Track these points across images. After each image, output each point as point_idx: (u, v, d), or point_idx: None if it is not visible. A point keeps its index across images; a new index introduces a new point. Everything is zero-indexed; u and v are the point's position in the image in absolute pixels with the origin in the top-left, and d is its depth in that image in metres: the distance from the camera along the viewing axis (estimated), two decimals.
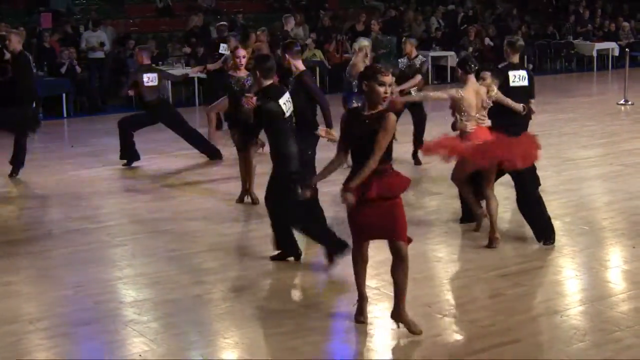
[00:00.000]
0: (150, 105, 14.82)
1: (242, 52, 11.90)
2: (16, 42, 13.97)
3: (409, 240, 7.35)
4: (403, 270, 7.31)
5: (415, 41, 15.24)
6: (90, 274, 9.21)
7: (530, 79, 10.43)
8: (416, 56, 14.64)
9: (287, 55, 10.12)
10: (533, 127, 10.88)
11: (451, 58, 26.33)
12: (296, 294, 8.53)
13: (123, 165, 14.84)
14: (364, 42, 14.00)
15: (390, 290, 8.33)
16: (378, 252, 9.60)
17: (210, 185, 13.30)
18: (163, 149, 16.19)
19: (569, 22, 31.30)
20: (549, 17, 32.30)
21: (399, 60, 14.93)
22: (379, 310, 7.94)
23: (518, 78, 10.31)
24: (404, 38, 15.75)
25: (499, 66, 10.73)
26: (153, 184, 13.69)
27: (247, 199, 11.94)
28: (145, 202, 12.47)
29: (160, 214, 11.70)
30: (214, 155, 15.18)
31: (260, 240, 9.96)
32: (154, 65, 15.51)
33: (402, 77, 14.21)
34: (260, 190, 10.24)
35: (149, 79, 14.65)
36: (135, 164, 14.93)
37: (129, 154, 14.91)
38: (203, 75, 22.60)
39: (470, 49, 25.01)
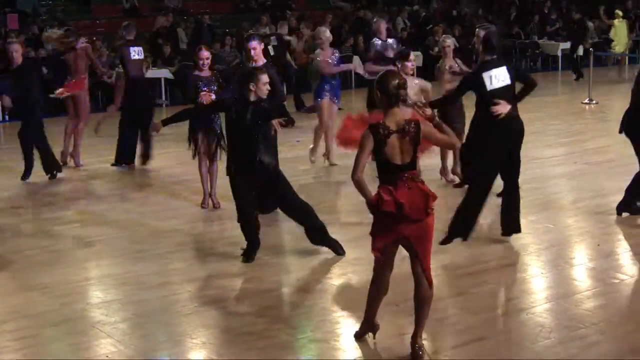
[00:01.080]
0: (134, 81, 14.69)
1: (206, 53, 11.84)
2: (18, 55, 13.45)
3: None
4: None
5: (386, 24, 15.22)
6: (57, 275, 9.18)
7: (511, 73, 9.69)
8: (388, 37, 14.65)
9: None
10: None
11: (417, 58, 26.39)
12: (263, 295, 8.53)
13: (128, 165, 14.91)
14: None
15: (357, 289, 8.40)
16: (346, 250, 9.65)
17: (178, 186, 13.28)
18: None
19: (533, 22, 31.45)
20: (513, 17, 32.40)
21: (370, 41, 14.90)
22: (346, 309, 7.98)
23: (496, 78, 9.58)
24: (375, 18, 15.76)
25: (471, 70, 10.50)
26: (120, 185, 13.65)
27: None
28: (112, 203, 12.44)
29: (128, 214, 11.68)
30: (147, 161, 15.01)
31: (228, 241, 9.98)
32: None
33: (378, 58, 14.36)
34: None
35: (136, 52, 14.54)
36: (99, 164, 14.89)
37: (129, 155, 14.92)
38: (170, 76, 22.67)
39: (436, 49, 25.06)
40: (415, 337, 6.90)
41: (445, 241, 9.56)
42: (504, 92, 9.55)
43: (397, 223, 6.75)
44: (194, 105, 11.10)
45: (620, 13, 26.64)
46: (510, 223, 9.90)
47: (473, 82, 9.72)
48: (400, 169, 6.73)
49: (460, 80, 10.39)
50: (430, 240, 6.90)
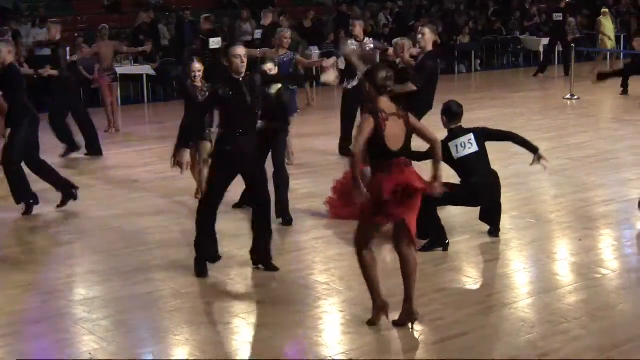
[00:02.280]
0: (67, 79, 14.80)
1: (197, 65, 11.70)
2: (6, 53, 11.62)
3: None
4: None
5: (363, 23, 15.17)
6: (39, 273, 9.16)
7: (480, 139, 9.65)
8: (363, 39, 14.67)
9: None
10: (481, 122, 11.01)
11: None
12: (246, 291, 8.52)
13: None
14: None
15: (340, 285, 8.41)
16: (329, 247, 9.67)
17: (160, 182, 13.24)
18: (111, 145, 16.13)
19: (514, 18, 31.52)
20: (495, 12, 32.45)
21: (348, 42, 14.89)
22: (329, 305, 7.98)
23: (462, 145, 9.59)
24: (351, 20, 15.73)
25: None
26: (102, 182, 13.61)
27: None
28: (94, 199, 12.38)
29: (110, 211, 11.64)
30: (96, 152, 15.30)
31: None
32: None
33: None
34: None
35: (68, 52, 14.52)
36: (81, 161, 14.90)
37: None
38: (152, 72, 22.61)
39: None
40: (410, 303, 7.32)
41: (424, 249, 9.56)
42: (473, 159, 9.58)
43: (394, 207, 7.10)
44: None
45: (607, 10, 26.84)
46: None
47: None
48: (395, 155, 7.11)
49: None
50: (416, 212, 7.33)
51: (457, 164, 9.60)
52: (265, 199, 8.97)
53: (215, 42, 17.86)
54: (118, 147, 16.21)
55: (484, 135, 9.73)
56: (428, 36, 11.99)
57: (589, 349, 6.92)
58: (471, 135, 9.58)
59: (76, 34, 24.51)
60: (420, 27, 12.64)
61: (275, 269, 8.96)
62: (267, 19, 21.01)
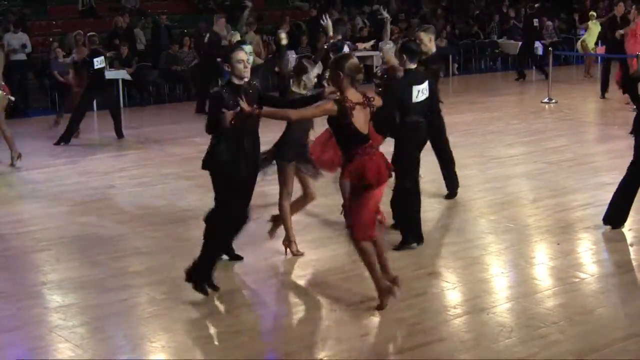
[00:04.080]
0: None
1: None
2: None
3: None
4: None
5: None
6: (13, 280, 9.07)
7: (430, 85, 9.80)
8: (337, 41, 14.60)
9: None
10: (459, 126, 11.01)
11: (376, 58, 26.41)
12: (222, 297, 8.46)
13: None
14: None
15: (317, 291, 8.39)
16: (306, 251, 9.62)
17: (136, 188, 13.19)
18: (87, 151, 16.05)
19: (494, 22, 31.58)
20: (473, 16, 32.53)
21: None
22: (306, 311, 7.95)
23: (422, 92, 9.67)
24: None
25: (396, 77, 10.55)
26: (77, 187, 13.52)
27: None
28: (69, 205, 12.31)
29: (85, 217, 11.56)
30: None
31: (189, 243, 9.90)
32: None
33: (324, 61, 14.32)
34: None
35: None
36: (57, 166, 14.79)
37: None
38: (129, 77, 22.54)
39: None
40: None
41: (400, 247, 9.58)
42: (425, 105, 9.72)
43: (371, 192, 7.58)
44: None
45: (595, 14, 26.94)
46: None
47: (401, 91, 9.69)
48: (366, 139, 7.58)
49: (386, 94, 10.32)
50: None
51: (411, 108, 9.61)
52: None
53: (99, 62, 17.26)
54: (93, 152, 16.11)
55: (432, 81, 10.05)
56: (426, 40, 11.74)
57: (567, 353, 6.92)
58: (426, 84, 9.70)
59: (51, 39, 24.42)
60: (415, 34, 12.42)
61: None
62: (220, 26, 20.26)
